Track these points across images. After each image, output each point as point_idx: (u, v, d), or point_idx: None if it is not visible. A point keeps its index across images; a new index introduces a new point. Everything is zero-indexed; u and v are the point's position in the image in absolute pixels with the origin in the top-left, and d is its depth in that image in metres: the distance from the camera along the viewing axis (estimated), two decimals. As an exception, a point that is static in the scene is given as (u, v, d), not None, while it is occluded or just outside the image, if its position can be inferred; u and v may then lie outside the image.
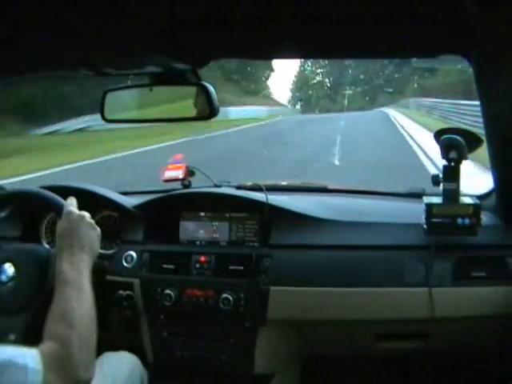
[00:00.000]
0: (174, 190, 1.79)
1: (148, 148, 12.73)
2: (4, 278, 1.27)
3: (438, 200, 1.47)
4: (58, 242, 1.13)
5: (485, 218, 1.45)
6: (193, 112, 1.39)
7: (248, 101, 36.01)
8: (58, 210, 1.23)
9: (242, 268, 1.52)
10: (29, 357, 0.83)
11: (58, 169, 9.49)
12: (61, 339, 0.92)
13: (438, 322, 1.45)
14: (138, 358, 1.37)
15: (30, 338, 1.23)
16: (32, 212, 1.76)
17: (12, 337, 1.19)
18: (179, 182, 1.83)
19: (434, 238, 1.46)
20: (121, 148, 12.29)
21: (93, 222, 1.20)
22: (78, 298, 1.00)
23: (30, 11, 0.80)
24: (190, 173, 1.83)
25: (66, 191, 1.56)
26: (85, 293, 1.03)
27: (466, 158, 1.43)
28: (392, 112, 30.88)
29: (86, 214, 1.19)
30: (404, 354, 1.65)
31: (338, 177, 7.55)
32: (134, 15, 0.86)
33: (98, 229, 1.20)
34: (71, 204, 1.22)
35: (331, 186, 1.94)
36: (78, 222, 1.15)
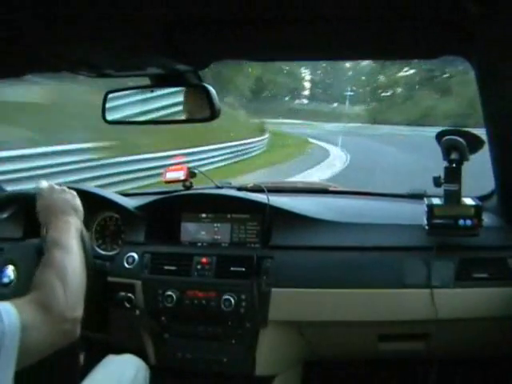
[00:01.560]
0: (176, 191, 1.79)
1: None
2: (6, 279, 1.27)
3: (439, 201, 1.47)
4: (42, 218, 1.17)
5: (486, 219, 1.45)
6: (194, 114, 1.39)
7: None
8: (32, 196, 1.26)
9: (244, 269, 1.52)
10: None
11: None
12: (44, 283, 0.94)
13: (439, 323, 1.45)
14: (141, 360, 1.36)
15: None
16: (33, 212, 1.76)
17: None
18: (180, 184, 1.83)
19: (435, 239, 1.46)
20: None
21: (65, 187, 1.23)
22: (63, 255, 1.02)
23: (29, 11, 0.80)
24: (191, 174, 1.83)
25: None
26: (71, 250, 1.04)
27: (467, 159, 1.43)
28: None
29: (55, 185, 1.24)
30: (406, 355, 1.65)
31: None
32: (134, 16, 0.87)
33: (73, 191, 1.23)
34: (41, 184, 1.26)
35: (332, 188, 1.94)
36: (50, 193, 1.20)
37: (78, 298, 0.98)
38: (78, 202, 1.21)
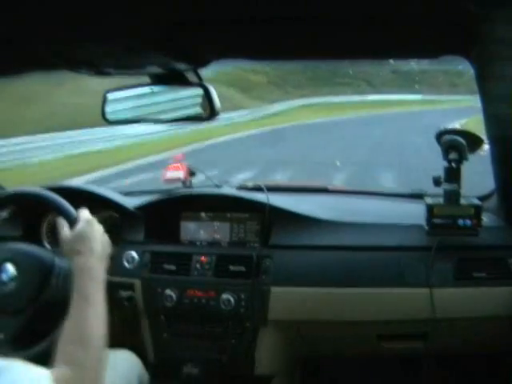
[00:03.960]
0: (175, 190, 1.79)
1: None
2: (5, 277, 1.27)
3: (439, 201, 1.47)
4: (75, 247, 1.09)
5: (486, 218, 1.45)
6: (194, 113, 1.39)
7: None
8: (70, 218, 1.22)
9: (243, 268, 1.52)
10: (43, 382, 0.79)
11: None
12: (76, 362, 0.88)
13: (439, 322, 1.45)
14: (136, 356, 1.36)
15: (20, 340, 1.23)
16: (33, 212, 1.76)
17: (1, 336, 1.19)
18: (180, 183, 1.83)
19: (435, 239, 1.46)
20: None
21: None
22: (95, 316, 0.96)
23: (30, 11, 0.80)
24: (190, 173, 1.83)
25: (67, 192, 1.56)
26: (101, 309, 0.99)
27: (466, 159, 1.43)
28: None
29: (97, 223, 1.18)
30: (405, 354, 1.65)
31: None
32: (134, 15, 0.86)
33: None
34: (83, 213, 1.20)
35: (332, 187, 1.94)
36: (93, 229, 1.14)
37: (104, 374, 0.91)
38: (109, 249, 1.16)
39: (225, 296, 1.49)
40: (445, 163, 1.45)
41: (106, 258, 1.11)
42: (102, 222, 1.73)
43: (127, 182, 7.75)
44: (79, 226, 1.13)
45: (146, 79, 1.34)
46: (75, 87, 13.58)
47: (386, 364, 1.81)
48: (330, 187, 1.94)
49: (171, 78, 1.30)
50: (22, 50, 1.00)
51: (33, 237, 1.74)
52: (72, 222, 1.17)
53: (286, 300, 1.49)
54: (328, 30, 0.95)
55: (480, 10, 0.81)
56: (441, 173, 1.47)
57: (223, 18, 0.90)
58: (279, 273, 1.49)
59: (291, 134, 16.17)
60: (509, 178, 1.44)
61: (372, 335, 1.54)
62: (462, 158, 1.42)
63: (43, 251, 1.40)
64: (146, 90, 1.37)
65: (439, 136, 1.46)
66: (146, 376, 1.36)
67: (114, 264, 1.61)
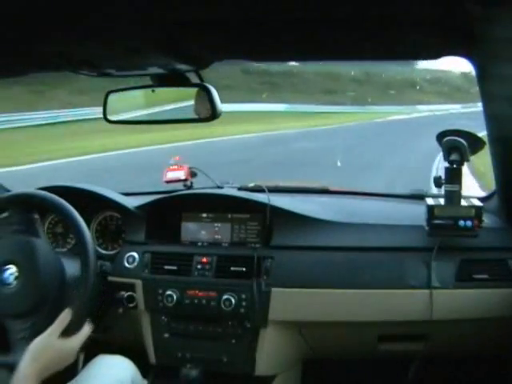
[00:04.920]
0: (176, 190, 1.79)
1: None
2: (7, 278, 1.27)
3: (439, 202, 1.47)
4: (48, 359, 1.09)
5: (487, 220, 1.45)
6: (195, 114, 1.40)
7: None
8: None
9: (244, 269, 1.52)
10: None
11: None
12: None
13: (439, 323, 1.45)
14: (131, 362, 1.35)
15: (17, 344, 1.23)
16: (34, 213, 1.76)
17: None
18: (181, 183, 1.84)
19: (435, 240, 1.45)
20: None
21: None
22: None
23: (30, 11, 0.80)
24: (191, 174, 1.83)
25: (68, 192, 1.57)
26: None
27: (468, 160, 1.43)
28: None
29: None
30: (406, 355, 1.65)
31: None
32: (135, 16, 0.87)
33: None
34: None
35: (333, 188, 1.94)
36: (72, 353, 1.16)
37: None
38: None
39: (225, 296, 1.49)
40: (446, 164, 1.45)
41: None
42: (103, 222, 1.74)
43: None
44: (73, 344, 1.15)
45: (148, 81, 1.35)
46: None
47: (388, 366, 1.81)
48: (330, 188, 1.94)
49: (173, 79, 1.30)
50: (22, 50, 1.00)
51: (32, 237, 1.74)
52: (77, 322, 1.17)
53: (287, 301, 1.49)
54: (328, 31, 0.95)
55: (480, 10, 0.81)
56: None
57: (224, 18, 0.91)
58: (280, 273, 1.49)
59: None
60: (510, 178, 1.44)
61: (373, 336, 1.54)
62: (463, 159, 1.42)
63: (48, 252, 1.40)
64: (148, 90, 1.38)
65: (440, 137, 1.46)
66: (139, 379, 1.36)
67: (115, 264, 1.62)
